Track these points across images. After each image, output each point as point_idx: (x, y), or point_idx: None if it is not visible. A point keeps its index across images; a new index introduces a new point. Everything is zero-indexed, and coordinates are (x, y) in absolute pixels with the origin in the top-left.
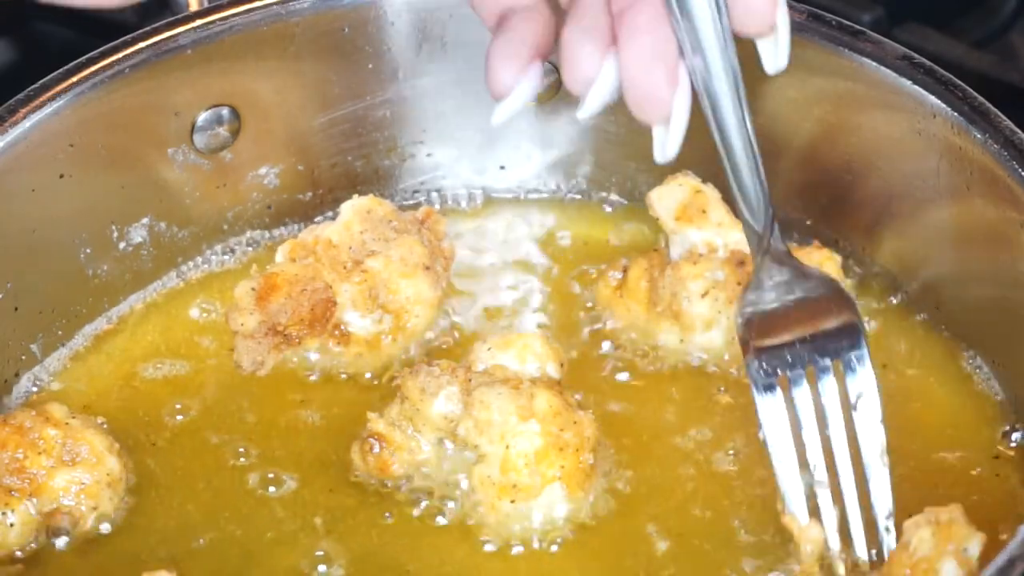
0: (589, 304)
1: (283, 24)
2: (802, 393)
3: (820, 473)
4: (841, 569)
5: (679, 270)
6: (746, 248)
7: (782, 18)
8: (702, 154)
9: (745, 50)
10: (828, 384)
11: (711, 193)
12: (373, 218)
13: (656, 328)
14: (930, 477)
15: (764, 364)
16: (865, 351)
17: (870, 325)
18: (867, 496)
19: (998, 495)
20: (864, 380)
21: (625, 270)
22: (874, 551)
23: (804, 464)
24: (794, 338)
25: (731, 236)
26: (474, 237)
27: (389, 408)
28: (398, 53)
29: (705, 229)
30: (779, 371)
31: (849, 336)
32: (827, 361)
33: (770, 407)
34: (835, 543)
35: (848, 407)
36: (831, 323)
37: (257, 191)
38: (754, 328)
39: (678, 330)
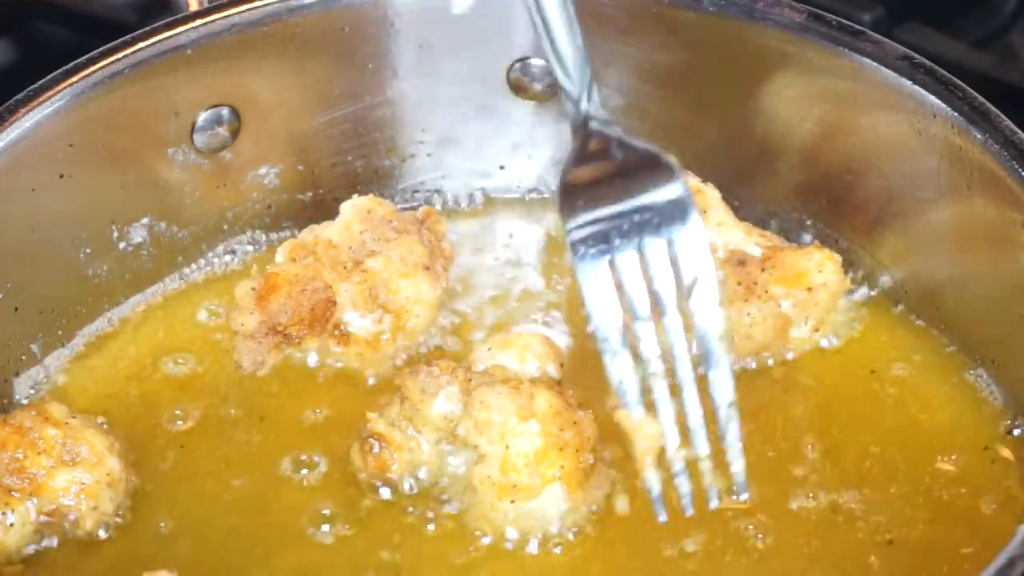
0: None
1: (283, 24)
2: (631, 275)
3: (655, 364)
4: (678, 466)
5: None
6: (745, 247)
7: None
8: (702, 154)
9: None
10: (660, 265)
11: (711, 193)
12: (373, 218)
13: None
14: (929, 478)
15: (588, 242)
16: (697, 228)
17: (870, 325)
18: (706, 387)
19: (997, 496)
20: (698, 260)
21: None
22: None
23: (637, 355)
24: (617, 212)
25: (731, 236)
26: (474, 237)
27: (389, 408)
28: (398, 53)
29: (705, 229)
30: (605, 252)
31: (678, 213)
32: (657, 239)
33: (597, 291)
34: (673, 439)
35: (682, 290)
36: (658, 198)
37: (257, 191)
38: (574, 200)
39: None
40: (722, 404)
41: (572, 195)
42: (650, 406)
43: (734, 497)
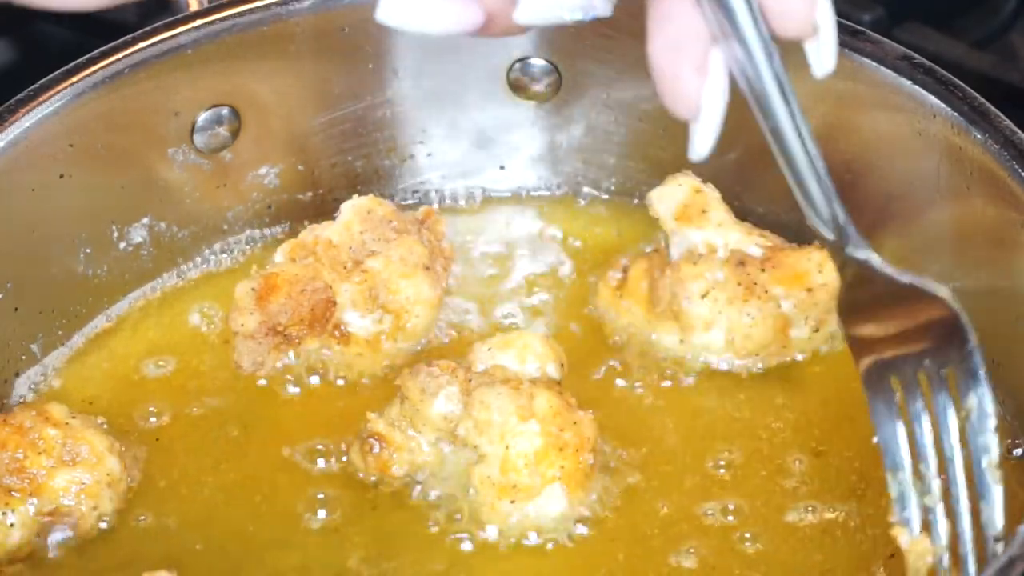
0: (589, 304)
1: (283, 24)
2: (915, 400)
3: (934, 485)
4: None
5: (679, 270)
6: (745, 247)
7: (824, 17)
8: None
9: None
10: (941, 393)
11: (711, 193)
12: (373, 218)
13: (656, 328)
14: None
15: (876, 368)
16: (977, 359)
17: None
18: (978, 513)
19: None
20: (977, 390)
21: (625, 270)
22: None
23: (917, 474)
24: (902, 346)
25: (731, 236)
26: (474, 237)
27: (389, 408)
28: (398, 53)
29: (705, 229)
30: (892, 376)
31: (958, 344)
32: (939, 370)
33: (884, 412)
34: (946, 559)
35: (962, 417)
36: (936, 331)
37: (257, 191)
38: (862, 335)
39: (678, 330)
40: (990, 534)
41: (856, 330)
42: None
43: None
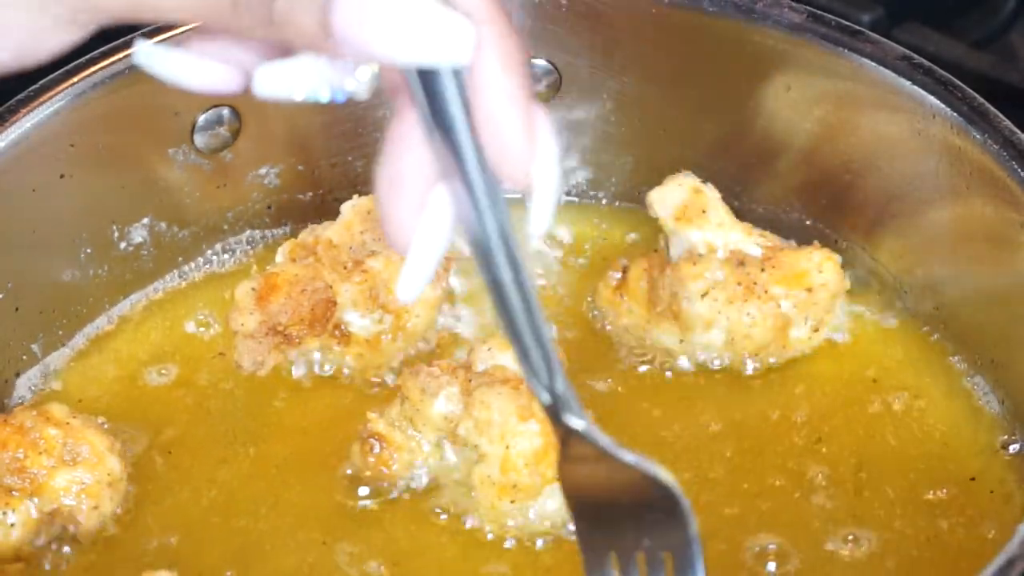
0: (589, 304)
1: None
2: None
3: None
4: None
5: (679, 270)
6: (745, 248)
7: (543, 174)
8: (702, 154)
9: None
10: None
11: (711, 193)
12: (373, 218)
13: (656, 328)
14: (928, 477)
15: (595, 542)
16: (695, 548)
17: (869, 326)
18: None
19: (996, 496)
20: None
21: (625, 270)
22: None
23: None
24: (623, 523)
25: (731, 236)
26: None
27: (389, 408)
28: None
29: (705, 229)
30: (611, 552)
31: (679, 530)
32: (658, 552)
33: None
34: None
35: None
36: (657, 514)
37: (257, 191)
38: (583, 505)
39: (678, 330)
40: None
41: (574, 496)
42: None
43: None
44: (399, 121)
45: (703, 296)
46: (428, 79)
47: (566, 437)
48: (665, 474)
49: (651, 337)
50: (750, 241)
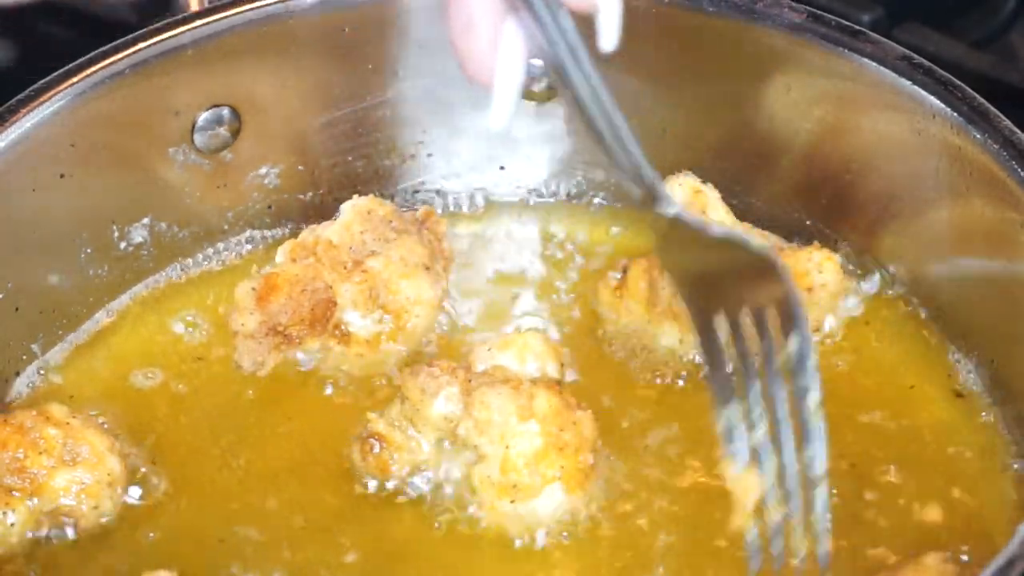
0: (588, 304)
1: (283, 24)
2: (741, 341)
3: (761, 423)
4: (773, 521)
5: None
6: None
7: None
8: (702, 154)
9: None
10: (763, 336)
11: (711, 193)
12: (373, 218)
13: (655, 328)
14: (928, 478)
15: (702, 312)
16: (794, 302)
17: (869, 326)
18: (803, 454)
19: (996, 496)
20: (797, 333)
21: (625, 270)
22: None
23: (744, 411)
24: (724, 292)
25: None
26: (474, 237)
27: (389, 408)
28: (398, 53)
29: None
30: (716, 319)
31: (776, 290)
32: (760, 314)
33: (711, 351)
34: (771, 495)
35: (784, 359)
36: (754, 278)
37: (257, 191)
38: (685, 285)
39: (678, 330)
40: (814, 477)
41: (672, 253)
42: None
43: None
44: None
45: None
46: None
47: (660, 224)
48: (756, 240)
49: (650, 337)
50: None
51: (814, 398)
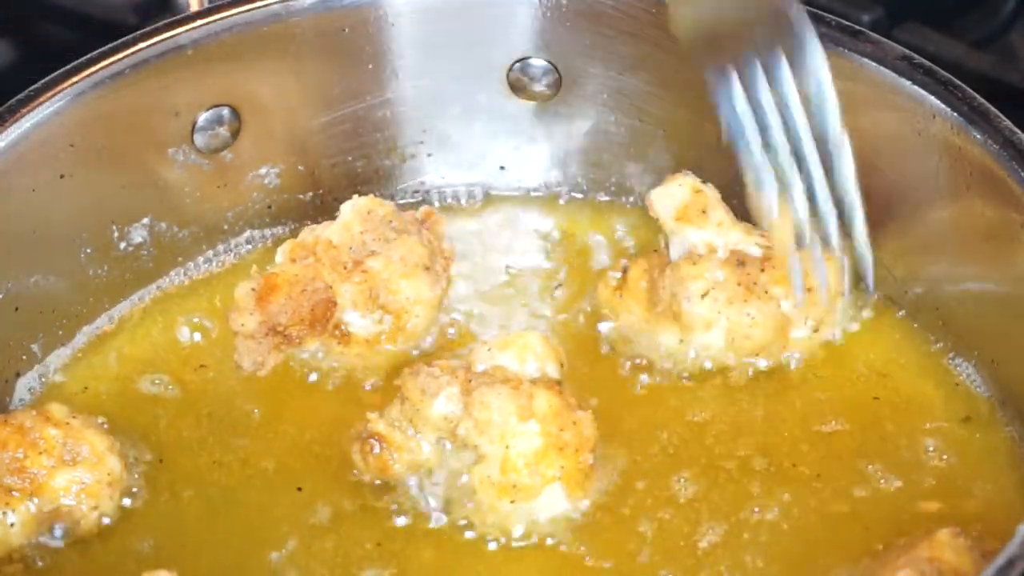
0: (589, 303)
1: (283, 24)
2: (757, 79)
3: (786, 164)
4: (806, 239)
5: (679, 270)
6: (746, 248)
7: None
8: (702, 154)
9: None
10: (779, 71)
11: (711, 193)
12: (373, 218)
13: (656, 328)
14: (928, 478)
15: (715, 63)
16: (811, 37)
17: (869, 326)
18: (830, 176)
19: (996, 496)
20: (813, 63)
21: (625, 271)
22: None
23: (769, 155)
24: (736, 37)
25: (731, 236)
26: (474, 237)
27: (389, 408)
28: (398, 53)
29: (705, 229)
30: (730, 64)
31: (787, 25)
32: (774, 51)
33: (728, 90)
34: (805, 220)
35: (802, 95)
36: (765, 18)
37: (257, 191)
38: (696, 38)
39: (678, 330)
40: (846, 192)
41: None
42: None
43: (862, 285)
44: None
45: (703, 296)
46: None
47: None
48: None
49: (651, 337)
50: (750, 241)
51: (836, 127)
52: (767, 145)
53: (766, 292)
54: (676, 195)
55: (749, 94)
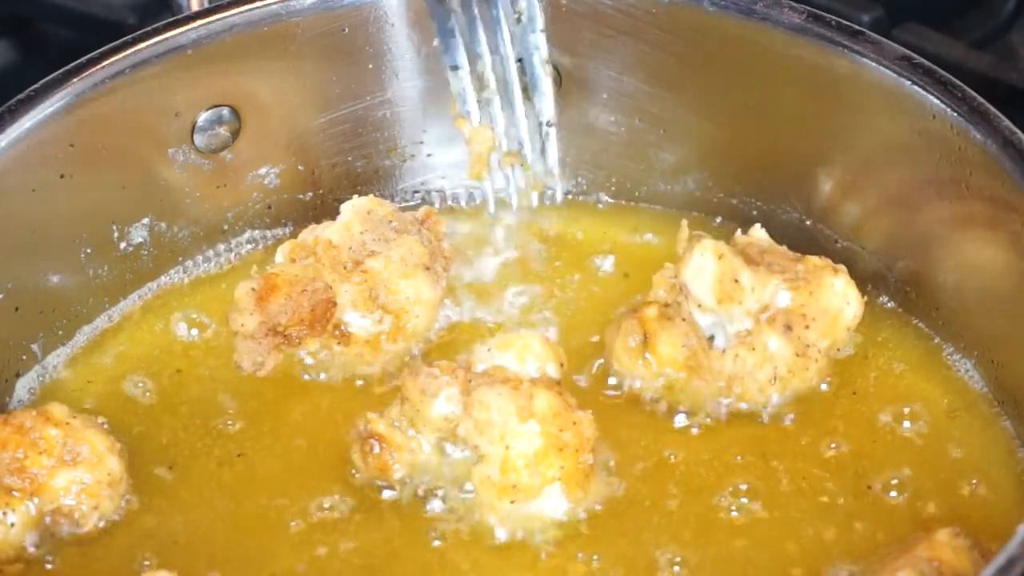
0: (589, 303)
1: (283, 24)
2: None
3: (490, 81)
4: (506, 168)
5: (743, 362)
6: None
7: None
8: (702, 154)
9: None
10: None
11: (732, 257)
12: (373, 218)
13: (688, 384)
14: (928, 478)
15: None
16: None
17: (869, 326)
18: (533, 104)
19: (996, 495)
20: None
21: (646, 336)
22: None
23: (475, 72)
24: None
25: (766, 292)
26: (474, 237)
27: (389, 409)
28: (398, 53)
29: (745, 301)
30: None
31: None
32: None
33: (443, 20)
34: (504, 143)
35: (512, 22)
36: None
37: (257, 191)
38: None
39: (710, 381)
40: (544, 119)
41: None
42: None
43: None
44: None
45: (772, 381)
46: None
47: None
48: None
49: (686, 393)
50: (775, 287)
51: (543, 55)
52: (476, 70)
53: (816, 348)
54: (706, 271)
55: (463, 15)
